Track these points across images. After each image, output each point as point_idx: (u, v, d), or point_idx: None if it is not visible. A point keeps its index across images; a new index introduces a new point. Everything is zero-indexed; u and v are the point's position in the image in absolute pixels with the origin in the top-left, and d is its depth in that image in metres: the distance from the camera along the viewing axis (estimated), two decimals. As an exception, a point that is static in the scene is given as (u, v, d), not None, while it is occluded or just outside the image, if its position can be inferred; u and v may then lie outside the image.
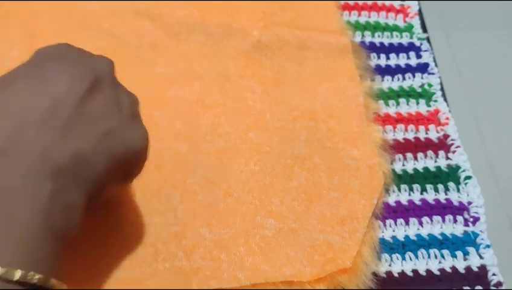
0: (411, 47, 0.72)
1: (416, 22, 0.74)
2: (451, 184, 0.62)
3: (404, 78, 0.69)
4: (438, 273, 0.56)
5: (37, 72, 0.42)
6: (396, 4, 0.76)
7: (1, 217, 0.36)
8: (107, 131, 0.42)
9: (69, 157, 0.40)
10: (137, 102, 0.49)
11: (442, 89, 0.69)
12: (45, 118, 0.39)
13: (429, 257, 0.57)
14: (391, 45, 0.72)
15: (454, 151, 0.64)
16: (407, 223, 0.59)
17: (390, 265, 0.56)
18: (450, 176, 0.62)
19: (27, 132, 0.39)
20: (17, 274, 0.35)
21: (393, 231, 0.58)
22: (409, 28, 0.74)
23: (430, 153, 0.63)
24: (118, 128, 0.43)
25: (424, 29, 0.74)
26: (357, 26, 0.73)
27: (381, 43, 0.72)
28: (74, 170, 0.40)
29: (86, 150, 0.41)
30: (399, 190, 0.61)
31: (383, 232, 0.58)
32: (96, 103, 0.43)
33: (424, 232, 0.58)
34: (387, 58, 0.71)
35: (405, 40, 0.73)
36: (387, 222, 0.59)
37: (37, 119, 0.39)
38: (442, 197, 0.61)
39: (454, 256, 0.57)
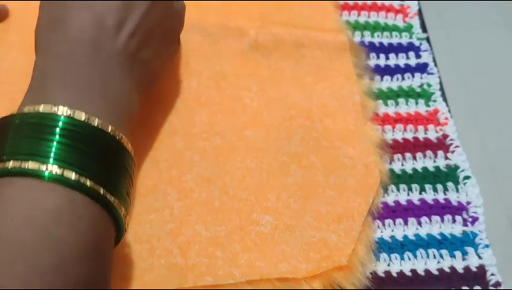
0: (410, 47, 0.72)
1: (415, 22, 0.74)
2: (450, 184, 0.61)
3: (403, 78, 0.69)
4: (436, 273, 0.56)
5: None
6: (396, 4, 0.76)
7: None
8: None
9: None
10: None
11: (441, 89, 0.68)
12: None
13: (428, 256, 0.57)
14: (390, 44, 0.72)
15: (453, 151, 0.63)
16: (405, 223, 0.59)
17: (388, 265, 0.56)
18: (449, 175, 0.62)
19: None
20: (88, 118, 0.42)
21: (392, 230, 0.58)
22: (409, 28, 0.74)
23: (429, 153, 0.63)
24: None
25: (424, 29, 0.74)
26: (356, 26, 0.73)
27: (381, 43, 0.72)
28: None
29: None
30: (398, 189, 0.61)
31: (381, 232, 0.58)
32: None
33: (423, 232, 0.58)
34: (387, 58, 0.71)
35: (404, 40, 0.73)
36: (386, 221, 0.58)
37: None
38: (441, 197, 0.61)
39: (453, 256, 0.57)
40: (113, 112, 0.45)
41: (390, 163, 0.62)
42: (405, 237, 0.58)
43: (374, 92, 0.67)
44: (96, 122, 0.42)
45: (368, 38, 0.73)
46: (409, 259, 0.56)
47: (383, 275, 0.55)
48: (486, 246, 0.58)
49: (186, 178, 0.57)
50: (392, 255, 0.56)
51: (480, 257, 0.57)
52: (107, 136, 0.42)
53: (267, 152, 0.60)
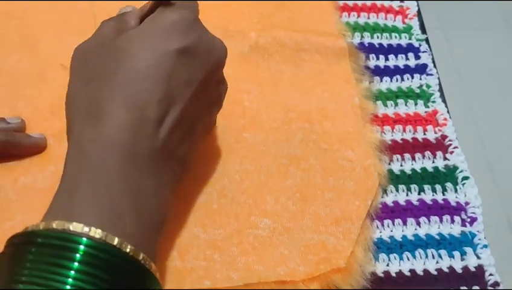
0: (410, 48, 0.72)
1: (415, 23, 0.75)
2: (448, 184, 0.62)
3: (402, 79, 0.69)
4: (435, 273, 0.56)
5: None
6: (395, 5, 0.76)
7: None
8: None
9: None
10: None
11: (440, 90, 0.69)
12: None
13: (427, 256, 0.57)
14: (390, 45, 0.72)
15: (452, 152, 0.64)
16: (404, 223, 0.59)
17: (387, 265, 0.56)
18: (447, 176, 0.62)
19: None
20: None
21: (391, 231, 0.59)
22: (408, 29, 0.74)
23: (427, 153, 0.64)
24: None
25: (423, 30, 0.74)
26: (356, 27, 0.73)
27: (380, 44, 0.72)
28: None
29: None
30: (397, 190, 0.61)
31: (380, 232, 0.58)
32: None
33: (422, 232, 0.59)
34: (386, 59, 0.71)
35: (404, 41, 0.73)
36: (385, 222, 0.59)
37: None
38: (439, 197, 0.61)
39: (451, 256, 0.57)
40: (145, 230, 0.44)
41: (389, 164, 0.63)
42: (404, 237, 0.58)
43: (373, 93, 0.67)
44: (128, 248, 0.40)
45: (367, 39, 0.73)
46: (408, 259, 0.57)
47: (382, 275, 0.56)
48: (485, 246, 0.58)
49: (184, 180, 0.57)
50: (391, 256, 0.57)
51: (478, 257, 0.57)
52: (136, 263, 0.40)
53: (266, 154, 0.60)
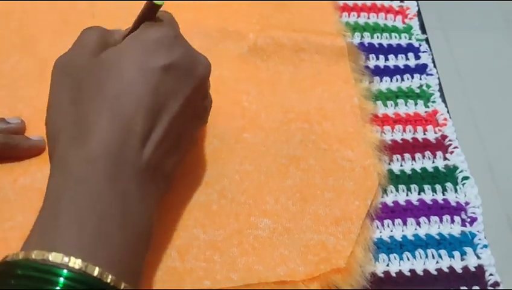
0: (410, 48, 0.72)
1: (415, 23, 0.75)
2: (448, 184, 0.62)
3: (402, 79, 0.69)
4: (435, 273, 0.56)
5: None
6: (395, 5, 0.76)
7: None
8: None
9: None
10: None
11: (440, 90, 0.69)
12: None
13: (427, 256, 0.57)
14: (390, 45, 0.72)
15: (452, 152, 0.64)
16: (404, 223, 0.59)
17: (387, 265, 0.56)
18: (447, 176, 0.62)
19: None
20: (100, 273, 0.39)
21: (391, 231, 0.58)
22: (408, 29, 0.74)
23: (427, 153, 0.64)
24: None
25: (423, 30, 0.74)
26: (356, 27, 0.73)
27: (380, 44, 0.72)
28: None
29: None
30: (397, 190, 0.61)
31: (380, 232, 0.58)
32: None
33: (422, 232, 0.58)
34: (386, 59, 0.71)
35: (404, 41, 0.73)
36: (385, 222, 0.59)
37: None
38: (439, 197, 0.61)
39: (451, 256, 0.57)
40: (132, 248, 0.43)
41: (389, 164, 0.62)
42: (404, 237, 0.58)
43: (373, 93, 0.67)
44: (109, 278, 0.39)
45: (367, 39, 0.73)
46: (408, 259, 0.57)
47: (382, 275, 0.56)
48: (485, 246, 0.58)
49: (184, 181, 0.57)
50: (391, 256, 0.57)
51: (478, 257, 0.57)
52: None
53: (266, 154, 0.60)
